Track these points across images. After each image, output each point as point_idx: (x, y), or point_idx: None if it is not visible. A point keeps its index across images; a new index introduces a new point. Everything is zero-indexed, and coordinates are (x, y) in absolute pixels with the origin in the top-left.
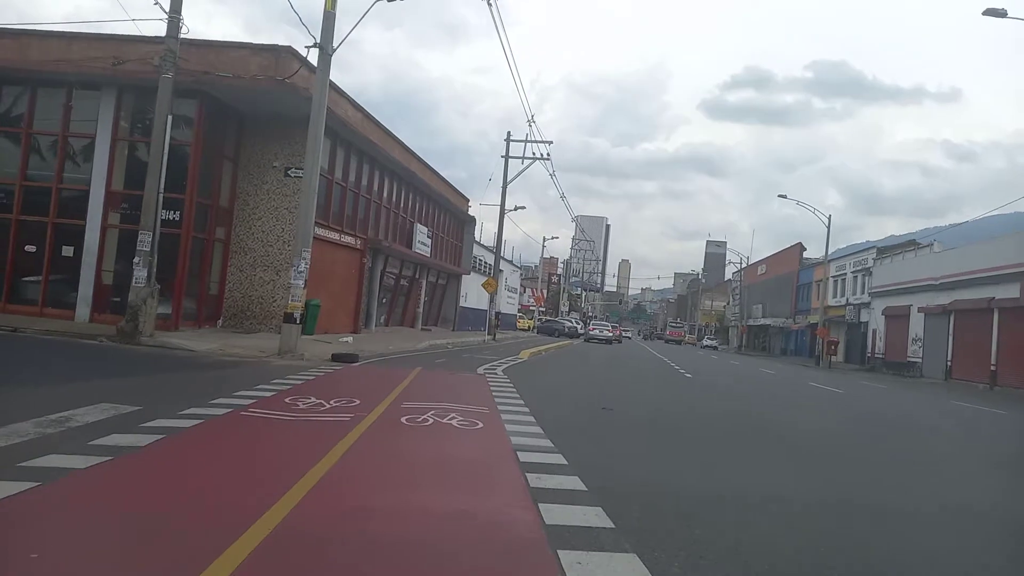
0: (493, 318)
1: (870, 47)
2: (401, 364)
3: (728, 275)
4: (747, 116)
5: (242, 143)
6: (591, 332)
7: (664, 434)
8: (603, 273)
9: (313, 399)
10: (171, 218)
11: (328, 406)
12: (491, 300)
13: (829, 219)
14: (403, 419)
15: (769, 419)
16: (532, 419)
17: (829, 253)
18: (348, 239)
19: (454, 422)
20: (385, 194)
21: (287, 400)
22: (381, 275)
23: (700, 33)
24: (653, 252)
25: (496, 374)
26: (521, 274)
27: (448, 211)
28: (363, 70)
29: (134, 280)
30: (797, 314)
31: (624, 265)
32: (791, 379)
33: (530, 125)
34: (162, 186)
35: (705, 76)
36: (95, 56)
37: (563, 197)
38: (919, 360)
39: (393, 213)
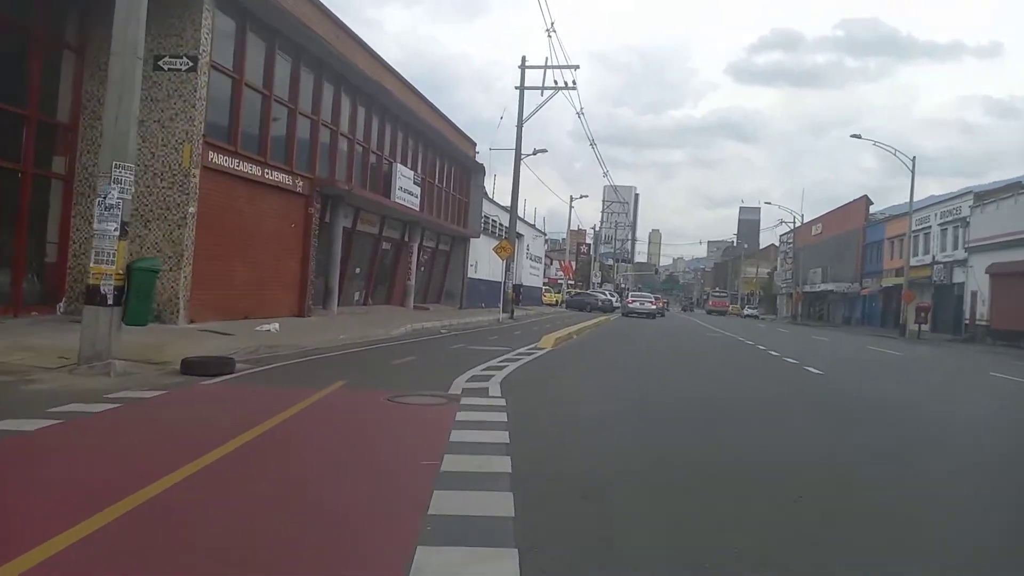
0: (510, 291)
1: (902, 2)
2: (319, 373)
3: (773, 239)
4: (776, 79)
5: (88, 24)
6: (630, 305)
7: None
8: (633, 240)
9: None
10: None
11: None
12: (506, 269)
13: (913, 161)
14: None
15: None
16: None
17: (899, 205)
18: (281, 178)
19: None
20: (346, 120)
21: None
22: (348, 235)
23: None
24: (684, 222)
25: (484, 393)
26: (547, 242)
27: (448, 155)
28: (383, 48)
29: None
30: (864, 277)
31: (655, 235)
32: (933, 363)
33: (549, 36)
34: None
35: (731, 39)
36: None
37: (593, 144)
38: None
39: (360, 148)
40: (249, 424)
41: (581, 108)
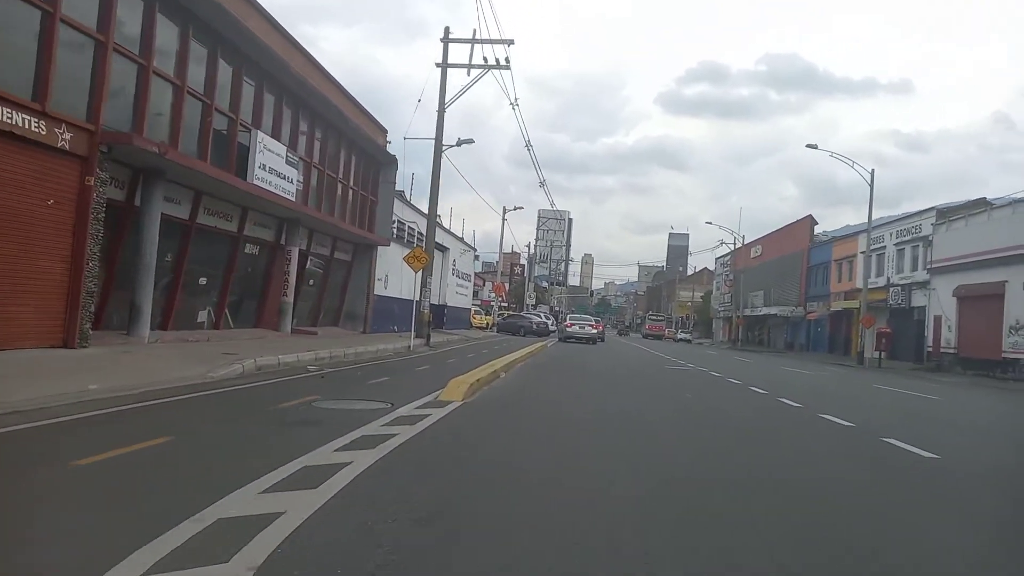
0: (426, 312)
1: (819, 39)
2: None
3: (707, 263)
4: (704, 111)
5: None
6: (569, 329)
7: None
8: (567, 260)
9: None
10: None
11: None
12: (422, 284)
13: (872, 174)
14: None
15: None
16: None
17: (842, 229)
18: (20, 120)
19: None
20: (170, 55)
21: None
22: (184, 229)
23: (656, 25)
24: (616, 246)
25: None
26: (478, 258)
27: (349, 140)
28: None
29: None
30: (809, 300)
31: (588, 259)
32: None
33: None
34: None
35: (661, 70)
36: None
37: (528, 146)
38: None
39: (197, 102)
40: None
41: (516, 98)
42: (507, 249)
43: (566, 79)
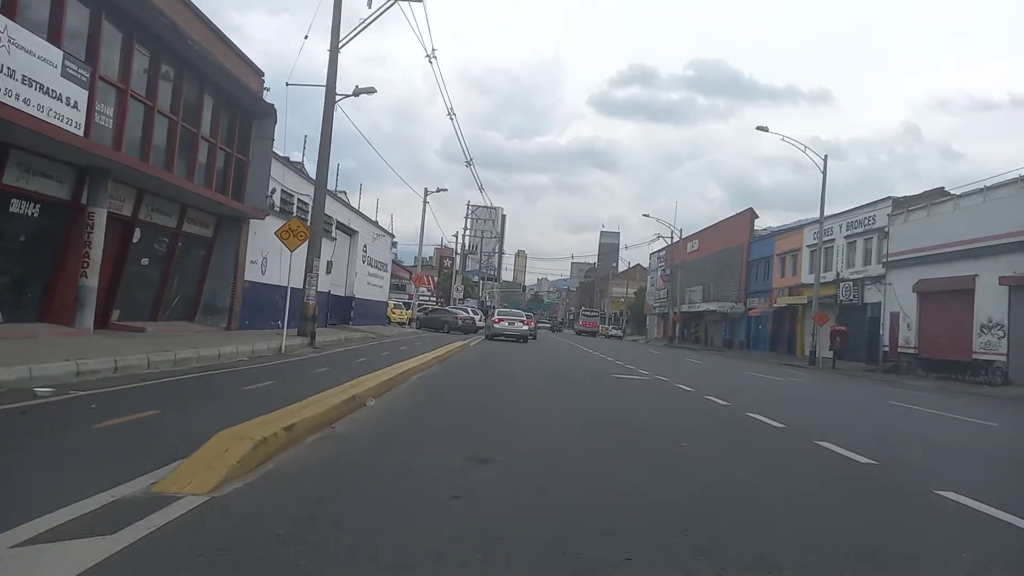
0: (310, 303)
1: (744, 46)
2: None
3: (639, 259)
4: (635, 113)
5: None
6: (497, 326)
7: None
8: (500, 254)
9: None
10: None
11: None
12: (306, 268)
13: (825, 160)
14: None
15: None
16: None
17: (788, 224)
18: None
19: None
20: None
21: None
22: None
23: (588, 27)
24: (549, 244)
25: None
26: (395, 246)
27: (207, 80)
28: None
29: None
30: (750, 296)
31: (521, 255)
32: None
33: None
34: None
35: (593, 71)
36: None
37: (451, 114)
38: (999, 357)
39: None
40: None
41: (433, 49)
42: (436, 242)
43: (501, 77)
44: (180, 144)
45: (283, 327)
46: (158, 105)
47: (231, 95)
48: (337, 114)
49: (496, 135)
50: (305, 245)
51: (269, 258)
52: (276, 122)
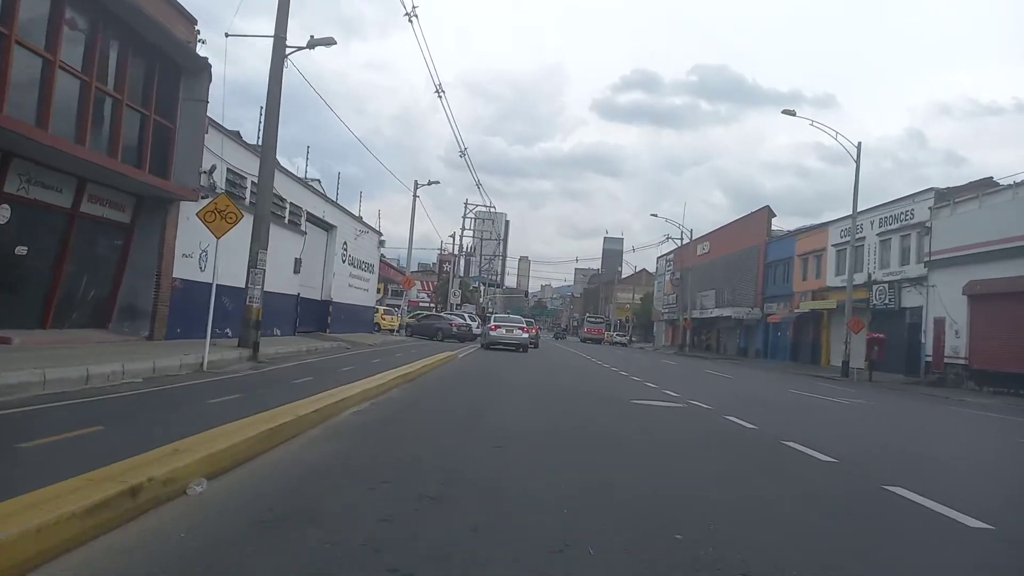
0: (253, 306)
1: (747, 51)
2: None
3: (645, 264)
4: (638, 118)
5: None
6: (493, 333)
7: None
8: (504, 258)
9: None
10: None
11: None
12: (250, 263)
13: (859, 148)
14: None
15: None
16: None
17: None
18: None
19: None
20: None
21: None
22: None
23: (591, 32)
24: (552, 251)
25: None
26: (383, 243)
27: (116, 23)
28: (247, 64)
29: None
30: (767, 301)
31: (524, 262)
32: None
33: None
34: None
35: (596, 77)
36: None
37: (439, 92)
38: None
39: None
40: None
41: (414, 6)
42: (436, 245)
43: (504, 84)
44: (67, 97)
45: (207, 337)
46: (21, 37)
47: (150, 43)
48: (337, 113)
49: (499, 141)
50: (248, 235)
51: (209, 251)
52: (211, 80)
